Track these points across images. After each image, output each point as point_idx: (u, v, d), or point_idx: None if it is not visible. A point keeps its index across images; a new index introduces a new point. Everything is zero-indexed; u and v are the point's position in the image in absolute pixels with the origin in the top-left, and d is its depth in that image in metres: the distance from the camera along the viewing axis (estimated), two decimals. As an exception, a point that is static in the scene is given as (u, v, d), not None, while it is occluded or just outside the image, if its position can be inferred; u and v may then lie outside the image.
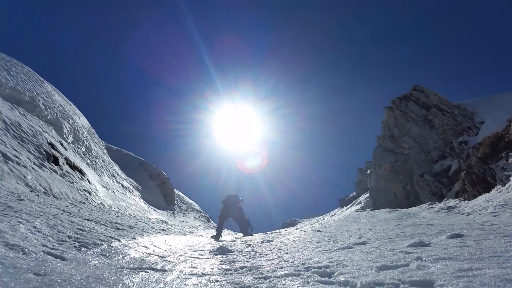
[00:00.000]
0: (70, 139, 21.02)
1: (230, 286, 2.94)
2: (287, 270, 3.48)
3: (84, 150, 22.51)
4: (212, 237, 11.53)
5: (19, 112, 15.96)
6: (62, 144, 17.92)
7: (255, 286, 2.85)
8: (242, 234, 13.90)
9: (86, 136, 24.71)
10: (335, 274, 3.03)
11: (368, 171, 32.13)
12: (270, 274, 3.34)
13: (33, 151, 13.00)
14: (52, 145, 15.48)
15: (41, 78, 23.38)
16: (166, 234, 9.49)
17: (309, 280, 2.91)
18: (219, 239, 10.98)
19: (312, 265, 3.62)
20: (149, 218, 18.52)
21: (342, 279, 2.78)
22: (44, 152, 13.76)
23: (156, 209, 28.72)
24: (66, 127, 20.79)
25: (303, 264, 3.78)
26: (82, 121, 26.36)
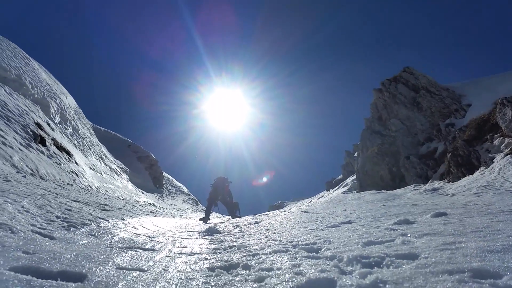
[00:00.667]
0: (57, 119, 20.72)
1: (219, 263, 2.97)
2: (275, 247, 3.53)
3: (71, 130, 22.23)
4: (200, 219, 11.57)
5: (5, 91, 15.62)
6: (49, 125, 17.66)
7: (244, 262, 2.88)
8: (230, 217, 14.01)
9: (74, 117, 24.37)
10: (322, 250, 3.10)
11: (356, 154, 32.40)
12: (258, 252, 3.39)
13: (20, 131, 12.80)
14: (39, 125, 15.25)
15: (28, 56, 22.82)
16: (155, 216, 9.53)
17: (297, 256, 2.96)
18: (208, 222, 11.04)
19: (300, 243, 3.67)
20: (137, 201, 18.52)
21: (329, 254, 2.84)
22: (31, 132, 13.57)
23: (144, 192, 28.69)
24: (53, 106, 20.46)
25: (291, 242, 3.83)
26: (69, 100, 25.95)
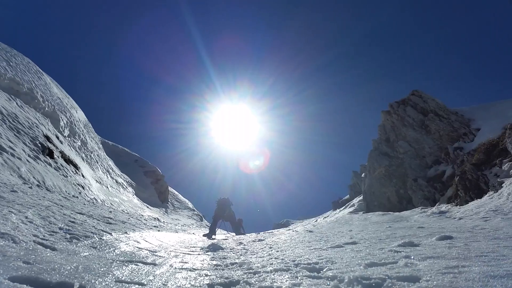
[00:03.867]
0: (66, 132, 20.93)
1: (219, 280, 2.95)
2: (277, 266, 3.50)
3: (79, 144, 22.42)
4: (204, 235, 11.53)
5: (17, 104, 15.88)
6: (58, 137, 17.85)
7: (244, 280, 2.86)
8: (234, 234, 14.02)
9: (83, 130, 24.62)
10: (324, 270, 3.06)
11: (363, 174, 32.19)
12: (260, 270, 3.36)
13: (29, 143, 12.94)
14: (47, 138, 15.42)
15: (40, 70, 23.27)
16: (158, 231, 9.49)
17: (298, 275, 2.94)
18: (212, 238, 10.99)
19: (302, 262, 3.64)
20: (142, 215, 18.48)
21: (331, 274, 2.81)
22: (40, 145, 13.71)
23: (149, 206, 28.65)
24: (63, 120, 20.70)
25: (293, 261, 3.80)
26: (79, 114, 26.26)
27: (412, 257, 3.22)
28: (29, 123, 14.85)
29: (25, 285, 1.87)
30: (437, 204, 16.56)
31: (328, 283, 2.51)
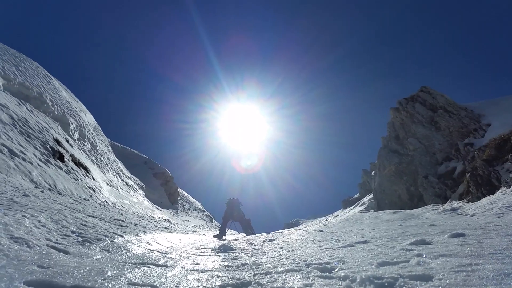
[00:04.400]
0: (76, 136, 21.12)
1: (231, 281, 2.95)
2: (288, 266, 3.50)
3: (89, 147, 22.61)
4: (214, 236, 11.57)
5: (26, 108, 16.08)
6: (68, 141, 18.02)
7: (256, 281, 2.86)
8: (244, 234, 14.06)
9: (92, 133, 24.83)
10: (336, 270, 3.05)
11: (373, 172, 32.05)
12: (271, 270, 3.36)
13: (39, 147, 13.08)
14: (58, 142, 15.57)
15: (49, 74, 23.55)
16: (169, 232, 9.53)
17: (310, 275, 2.93)
18: (222, 238, 11.02)
19: (313, 262, 3.63)
20: (152, 217, 18.57)
21: (342, 274, 2.80)
22: (50, 149, 13.85)
23: (160, 208, 28.80)
24: (72, 123, 20.90)
25: (304, 261, 3.79)
26: (88, 118, 26.50)
27: (424, 256, 3.20)
28: (39, 127, 15.01)
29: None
30: (448, 201, 16.43)
31: (340, 283, 2.50)
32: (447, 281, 2.12)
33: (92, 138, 24.19)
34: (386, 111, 28.51)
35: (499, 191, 12.68)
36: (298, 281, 2.72)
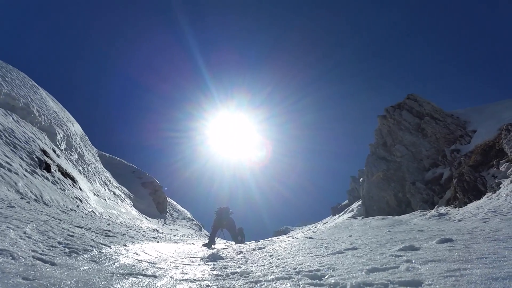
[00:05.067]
0: (63, 146, 20.89)
1: (220, 290, 2.93)
2: (278, 274, 3.48)
3: (76, 157, 22.36)
4: (204, 245, 11.46)
5: (13, 118, 15.86)
6: (54, 151, 17.80)
7: (246, 290, 2.85)
8: (234, 243, 13.95)
9: (79, 143, 24.58)
10: (326, 277, 3.05)
11: (361, 179, 32.20)
12: (261, 279, 3.34)
13: (25, 157, 12.90)
14: (44, 152, 15.37)
15: (36, 85, 23.31)
16: (157, 242, 9.44)
17: (300, 283, 2.92)
18: (211, 247, 10.93)
19: (303, 269, 3.62)
20: (140, 226, 18.39)
21: (333, 281, 2.80)
22: (37, 159, 13.66)
23: (148, 218, 28.53)
24: (59, 134, 20.67)
25: (294, 268, 3.78)
26: (75, 128, 26.25)
27: (413, 261, 3.22)
28: (25, 137, 14.80)
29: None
30: (436, 206, 16.58)
31: (330, 290, 2.50)
32: (437, 286, 2.14)
33: (79, 148, 23.95)
34: (374, 119, 28.80)
35: (485, 196, 12.84)
36: (288, 289, 2.71)
